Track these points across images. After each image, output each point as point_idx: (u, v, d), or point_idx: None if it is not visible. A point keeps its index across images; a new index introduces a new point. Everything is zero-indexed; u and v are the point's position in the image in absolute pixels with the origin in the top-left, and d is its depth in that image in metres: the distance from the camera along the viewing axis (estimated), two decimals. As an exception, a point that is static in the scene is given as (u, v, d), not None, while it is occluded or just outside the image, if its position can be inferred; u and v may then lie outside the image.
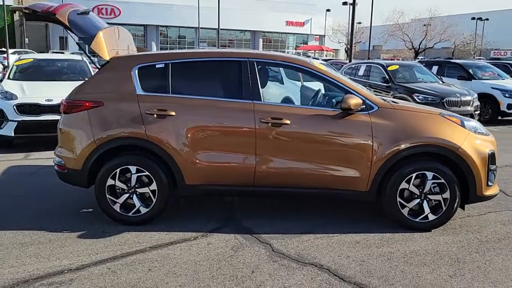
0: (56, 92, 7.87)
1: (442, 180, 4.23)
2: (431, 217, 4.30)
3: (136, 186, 4.32)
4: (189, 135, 4.24)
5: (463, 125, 4.35)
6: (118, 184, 4.31)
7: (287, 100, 4.93)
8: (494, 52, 55.04)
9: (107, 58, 4.50)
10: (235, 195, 4.72)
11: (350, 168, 4.26)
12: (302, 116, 4.27)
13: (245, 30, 61.41)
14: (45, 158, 7.15)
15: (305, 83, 5.70)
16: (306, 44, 62.74)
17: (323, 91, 4.97)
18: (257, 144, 4.24)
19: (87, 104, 4.33)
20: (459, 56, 45.42)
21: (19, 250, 3.83)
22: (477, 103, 10.90)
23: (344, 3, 50.00)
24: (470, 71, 13.08)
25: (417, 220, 4.32)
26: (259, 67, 4.40)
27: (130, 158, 4.30)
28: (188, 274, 3.45)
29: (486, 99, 12.19)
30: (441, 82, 11.72)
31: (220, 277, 3.40)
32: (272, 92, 4.92)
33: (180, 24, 57.65)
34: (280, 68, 5.64)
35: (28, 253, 3.79)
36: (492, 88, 12.32)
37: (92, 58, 5.17)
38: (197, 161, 4.26)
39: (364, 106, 4.26)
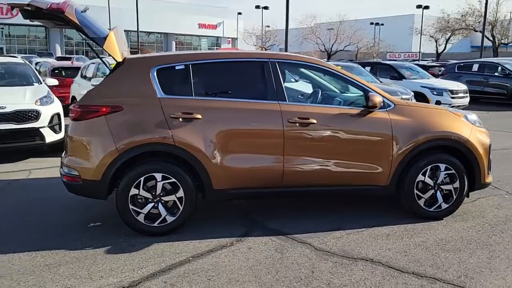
0: (4, 99, 7.15)
1: (453, 171, 4.55)
2: (444, 206, 4.61)
3: (162, 194, 4.10)
4: (216, 139, 4.12)
5: (466, 119, 4.72)
6: (142, 193, 4.06)
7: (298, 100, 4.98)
8: (390, 54, 59.44)
9: (120, 60, 4.22)
10: (262, 197, 4.65)
11: (373, 164, 4.43)
12: (327, 115, 4.35)
13: (157, 32, 60.04)
14: (8, 172, 6.47)
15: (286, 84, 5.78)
16: (219, 47, 62.96)
17: (321, 91, 5.08)
18: (285, 145, 4.24)
19: (104, 109, 4.02)
20: (362, 58, 48.58)
21: (50, 273, 3.46)
22: (414, 100, 11.77)
23: (257, 7, 51.23)
24: (401, 71, 14.08)
25: (431, 209, 4.60)
26: (281, 67, 4.40)
27: (155, 165, 4.07)
28: (251, 279, 3.36)
29: (416, 96, 13.19)
30: (379, 82, 12.47)
31: (285, 280, 3.36)
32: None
33: (88, 26, 54.63)
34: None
35: (63, 274, 3.43)
36: (422, 86, 13.39)
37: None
38: (226, 164, 4.15)
39: (382, 104, 4.45)
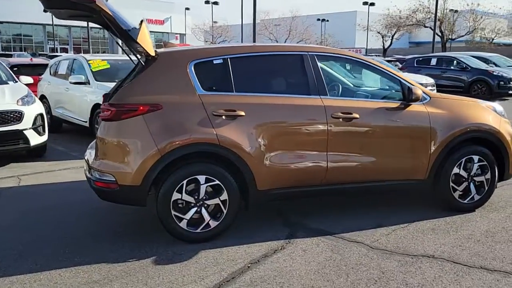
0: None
1: (485, 162, 4.58)
2: (476, 197, 4.63)
3: (205, 198, 3.82)
4: (261, 136, 3.89)
5: (495, 111, 4.78)
6: (185, 197, 3.76)
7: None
8: (337, 49, 60.56)
9: (153, 54, 3.88)
10: (303, 196, 4.45)
11: (413, 158, 4.36)
12: (369, 110, 4.23)
13: (101, 28, 57.75)
14: (-5, 179, 5.88)
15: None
16: (168, 42, 61.56)
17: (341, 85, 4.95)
18: (328, 141, 4.08)
19: (142, 108, 3.67)
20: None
21: (105, 290, 3.11)
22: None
23: (207, 2, 50.57)
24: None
25: (465, 201, 4.61)
26: (320, 61, 4.23)
27: (198, 167, 3.77)
28: (326, 284, 3.18)
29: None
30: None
31: (360, 282, 3.21)
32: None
33: (21, 20, 51.40)
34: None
35: (120, 292, 3.09)
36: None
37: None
38: (270, 163, 3.94)
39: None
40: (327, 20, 64.70)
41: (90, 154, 4.22)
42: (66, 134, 9.48)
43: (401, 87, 4.38)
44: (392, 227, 4.23)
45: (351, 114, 4.11)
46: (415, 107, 4.36)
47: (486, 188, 4.64)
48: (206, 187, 3.79)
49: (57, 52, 41.92)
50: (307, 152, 4.07)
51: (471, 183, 4.60)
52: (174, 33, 63.12)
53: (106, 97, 4.81)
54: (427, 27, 34.43)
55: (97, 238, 3.98)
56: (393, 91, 4.48)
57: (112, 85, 7.96)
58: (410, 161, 4.36)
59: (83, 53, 25.84)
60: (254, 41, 25.26)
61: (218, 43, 49.07)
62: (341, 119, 4.09)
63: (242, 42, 26.66)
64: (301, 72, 4.13)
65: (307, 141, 4.07)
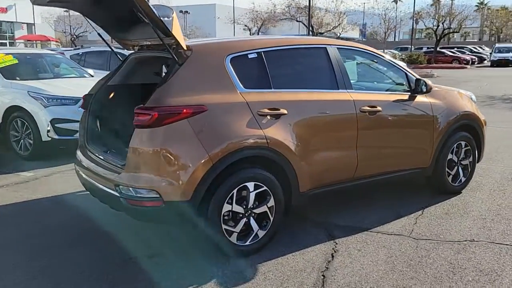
0: None
1: (469, 147, 4.98)
2: (463, 180, 5.02)
3: (253, 206, 3.47)
4: (302, 135, 3.65)
5: (471, 98, 5.20)
6: (235, 208, 3.37)
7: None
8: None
9: (185, 47, 3.37)
10: (334, 194, 4.27)
11: (422, 147, 4.54)
12: (387, 102, 4.27)
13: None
14: None
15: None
16: (12, 33, 54.89)
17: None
18: (358, 136, 4.02)
19: (186, 110, 3.16)
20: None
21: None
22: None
23: (61, -11, 46.06)
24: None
25: (455, 184, 4.96)
26: (343, 54, 4.12)
27: (248, 173, 3.40)
28: (416, 282, 3.12)
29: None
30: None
31: (441, 275, 3.21)
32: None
33: None
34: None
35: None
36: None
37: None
38: (310, 163, 3.73)
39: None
40: (189, 12, 64.10)
41: (96, 166, 3.56)
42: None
43: (408, 79, 4.51)
44: (411, 216, 4.34)
45: (376, 107, 4.10)
46: (419, 98, 4.52)
47: (469, 170, 5.06)
48: (255, 194, 3.45)
49: None
50: (341, 147, 3.97)
51: (459, 167, 4.96)
52: (21, 23, 56.41)
53: (89, 98, 4.10)
54: (299, 21, 36.49)
55: (131, 267, 3.35)
56: (397, 83, 4.59)
57: (34, 83, 6.82)
58: (420, 150, 4.54)
59: None
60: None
61: (79, 35, 45.31)
62: (367, 113, 4.05)
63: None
64: (329, 66, 3.97)
65: (341, 137, 3.96)
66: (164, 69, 4.20)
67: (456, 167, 4.92)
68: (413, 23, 45.81)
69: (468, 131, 4.96)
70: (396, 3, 65.96)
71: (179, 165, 3.14)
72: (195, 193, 3.16)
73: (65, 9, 52.76)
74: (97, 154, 3.82)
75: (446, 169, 4.81)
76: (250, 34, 44.91)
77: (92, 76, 8.16)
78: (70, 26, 45.23)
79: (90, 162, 3.80)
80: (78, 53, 10.56)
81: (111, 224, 4.11)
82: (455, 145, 4.82)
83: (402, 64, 4.77)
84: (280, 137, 3.49)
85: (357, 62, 4.90)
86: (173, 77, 3.26)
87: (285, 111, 3.55)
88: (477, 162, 5.22)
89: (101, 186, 3.47)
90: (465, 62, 36.31)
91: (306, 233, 3.93)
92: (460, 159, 4.93)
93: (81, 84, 7.31)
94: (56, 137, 6.39)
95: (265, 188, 3.47)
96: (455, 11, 39.53)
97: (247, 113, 3.38)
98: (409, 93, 4.46)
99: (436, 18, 38.04)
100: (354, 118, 3.97)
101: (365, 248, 3.66)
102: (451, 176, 4.88)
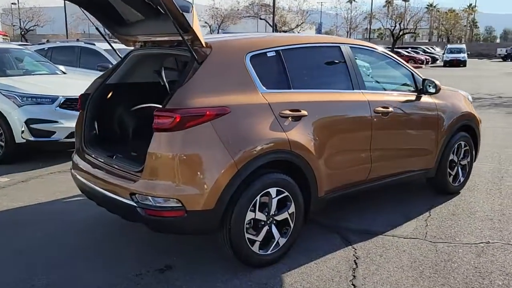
0: None
1: (467, 147, 5.00)
2: (462, 179, 5.04)
3: (274, 213, 3.28)
4: (321, 137, 3.49)
5: (468, 98, 5.22)
6: (258, 216, 3.17)
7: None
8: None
9: (205, 44, 3.13)
10: (347, 198, 4.12)
11: (428, 148, 4.50)
12: (398, 102, 4.18)
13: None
14: None
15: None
16: None
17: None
18: (372, 137, 3.92)
19: (209, 112, 2.93)
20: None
21: None
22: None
23: (9, -19, 43.91)
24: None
25: (455, 184, 4.97)
26: (355, 52, 3.99)
27: (270, 178, 3.19)
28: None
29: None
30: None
31: (471, 280, 3.15)
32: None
33: None
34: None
35: None
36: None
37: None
38: (329, 166, 3.58)
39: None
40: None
41: (101, 172, 3.27)
42: None
43: (414, 79, 4.45)
44: (419, 218, 4.29)
45: (388, 108, 4.01)
46: (425, 98, 4.48)
47: (468, 169, 5.08)
48: (277, 201, 3.26)
49: None
50: (357, 149, 3.85)
51: (459, 167, 4.97)
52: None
53: (85, 98, 3.79)
54: (262, 19, 36.45)
55: (144, 283, 3.08)
56: (405, 83, 4.51)
57: (4, 81, 6.31)
58: (427, 151, 4.49)
59: None
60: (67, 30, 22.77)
61: (30, 29, 43.27)
62: (381, 114, 3.95)
63: (66, 27, 23.41)
64: (344, 65, 3.84)
65: (357, 138, 3.84)
66: (171, 67, 3.93)
67: (456, 167, 4.92)
68: (370, 22, 46.94)
69: (467, 131, 4.97)
70: (351, 3, 67.45)
71: (202, 171, 2.90)
72: (219, 201, 2.93)
73: (13, 2, 50.13)
74: (100, 159, 3.50)
75: (448, 169, 4.80)
76: (210, 32, 44.50)
77: (65, 73, 7.66)
78: (20, 19, 43.06)
79: (91, 167, 3.48)
80: (43, 48, 9.90)
81: (111, 233, 3.81)
82: (456, 146, 4.82)
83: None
84: (301, 139, 3.32)
85: (367, 61, 4.80)
86: (193, 76, 3.00)
87: (305, 113, 3.37)
88: (474, 161, 5.26)
89: (109, 194, 3.17)
90: (420, 62, 37.44)
91: (320, 239, 3.79)
92: (460, 159, 4.94)
93: (55, 81, 6.89)
94: (32, 139, 5.92)
95: (286, 193, 3.29)
96: (411, 11, 40.78)
97: (270, 115, 3.19)
98: (416, 93, 4.41)
99: (394, 18, 39.10)
100: (369, 119, 3.86)
101: (386, 253, 3.55)
102: (451, 177, 4.88)
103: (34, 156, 6.28)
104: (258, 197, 3.12)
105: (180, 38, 3.21)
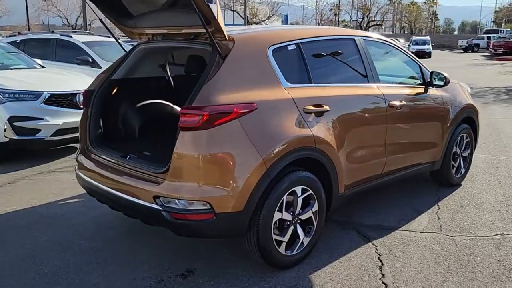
0: None
1: (468, 139, 5.04)
2: (463, 171, 5.07)
3: (299, 212, 3.17)
4: (342, 133, 3.40)
5: (467, 90, 5.25)
6: (285, 215, 3.05)
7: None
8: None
9: (228, 37, 2.96)
10: (362, 193, 4.03)
11: (436, 140, 4.48)
12: (409, 96, 4.14)
13: None
14: None
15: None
16: None
17: None
18: (387, 131, 3.86)
19: (236, 109, 2.77)
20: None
21: None
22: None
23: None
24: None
25: (458, 176, 5.00)
26: (368, 45, 3.91)
27: (296, 176, 3.07)
28: (480, 284, 3.02)
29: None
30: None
31: (499, 275, 3.14)
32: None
33: None
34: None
35: None
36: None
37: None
38: (349, 161, 3.50)
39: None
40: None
41: (115, 174, 3.07)
42: None
43: (422, 72, 4.42)
44: (430, 211, 4.28)
45: (401, 101, 3.96)
46: (433, 91, 4.45)
47: (468, 161, 5.12)
48: (302, 199, 3.15)
49: None
50: (374, 144, 3.78)
51: (461, 159, 5.00)
52: None
53: (89, 94, 3.56)
54: (233, 10, 36.10)
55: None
56: (413, 76, 4.47)
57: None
58: (435, 144, 4.48)
59: None
60: (28, 21, 21.90)
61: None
62: (394, 107, 3.90)
63: (28, 19, 22.43)
64: (359, 58, 3.75)
65: (374, 132, 3.77)
66: (179, 62, 3.73)
67: (458, 159, 4.94)
68: (336, 14, 47.32)
69: (468, 123, 4.99)
70: (319, -5, 67.78)
71: (231, 171, 2.75)
72: (249, 202, 2.79)
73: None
74: (111, 160, 3.29)
75: (452, 161, 4.81)
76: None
77: (44, 67, 7.26)
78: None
79: (102, 169, 3.26)
80: (15, 41, 9.36)
81: (119, 237, 3.61)
82: (458, 138, 4.83)
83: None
84: (325, 135, 3.21)
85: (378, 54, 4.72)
86: (218, 71, 2.83)
87: (327, 108, 3.26)
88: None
89: (127, 197, 2.97)
90: (387, 53, 38.01)
91: (338, 236, 3.71)
92: (461, 151, 4.97)
93: (37, 76, 6.52)
94: (15, 137, 5.57)
95: (310, 191, 3.18)
96: (378, 4, 41.36)
97: (294, 110, 3.06)
98: (424, 86, 4.38)
99: (361, 10, 39.57)
100: (385, 112, 3.79)
101: (407, 249, 3.51)
102: (454, 168, 4.90)
103: (16, 156, 5.92)
104: (284, 197, 3.00)
105: (197, 31, 3.05)
